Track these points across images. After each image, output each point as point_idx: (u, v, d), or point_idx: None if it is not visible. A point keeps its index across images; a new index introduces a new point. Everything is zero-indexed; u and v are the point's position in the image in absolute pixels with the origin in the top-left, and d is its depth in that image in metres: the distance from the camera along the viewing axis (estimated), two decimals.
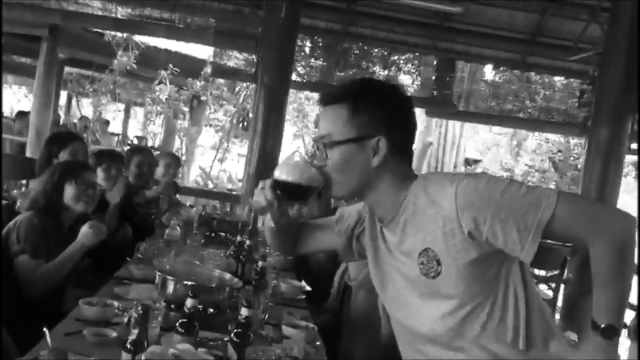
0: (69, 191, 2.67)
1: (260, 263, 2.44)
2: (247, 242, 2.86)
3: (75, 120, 12.50)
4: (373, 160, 1.39)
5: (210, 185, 10.88)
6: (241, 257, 2.80)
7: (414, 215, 1.38)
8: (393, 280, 1.49)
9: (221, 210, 5.31)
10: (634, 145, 6.28)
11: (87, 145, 3.98)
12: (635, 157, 8.15)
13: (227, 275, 2.26)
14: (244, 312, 1.66)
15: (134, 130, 14.83)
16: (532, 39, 7.35)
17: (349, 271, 2.99)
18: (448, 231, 1.31)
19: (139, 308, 1.46)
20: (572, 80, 9.25)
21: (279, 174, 1.47)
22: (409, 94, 1.53)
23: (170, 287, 2.02)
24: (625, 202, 12.85)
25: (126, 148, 10.56)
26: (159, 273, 2.07)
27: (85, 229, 2.57)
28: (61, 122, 11.24)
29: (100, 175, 3.48)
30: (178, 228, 3.00)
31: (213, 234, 3.52)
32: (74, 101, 14.25)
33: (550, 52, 7.46)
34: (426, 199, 1.35)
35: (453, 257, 1.33)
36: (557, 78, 9.96)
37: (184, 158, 11.42)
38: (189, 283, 1.99)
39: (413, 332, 1.48)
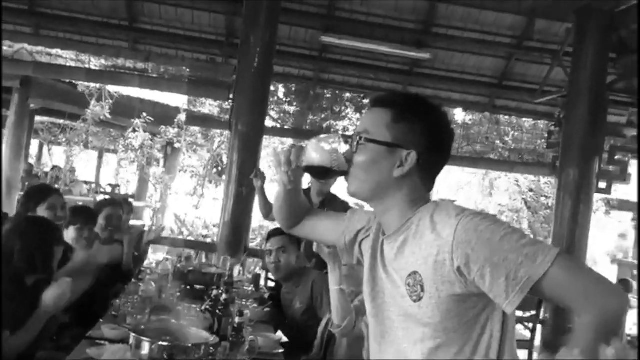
0: None
1: (237, 319, 2.42)
2: (223, 295, 2.83)
3: (47, 169, 12.35)
4: (396, 170, 1.40)
5: (185, 232, 10.77)
6: (217, 311, 2.76)
7: (414, 237, 1.38)
8: (383, 293, 1.48)
9: (197, 260, 5.25)
10: (602, 185, 6.43)
11: (60, 195, 3.89)
12: (602, 196, 8.33)
13: (204, 332, 2.23)
14: None
15: (107, 178, 14.69)
16: (499, 83, 7.57)
17: (332, 319, 2.96)
18: (440, 260, 1.31)
19: None
20: (540, 121, 9.51)
21: (313, 151, 1.46)
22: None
23: (145, 349, 1.98)
24: (594, 236, 13.08)
25: (99, 197, 10.46)
26: (133, 334, 2.03)
27: (47, 295, 2.49)
28: (33, 172, 11.10)
29: (71, 234, 3.42)
30: (153, 284, 2.96)
31: (189, 287, 3.48)
32: (45, 150, 14.10)
33: (517, 95, 7.69)
34: (430, 224, 1.35)
35: (437, 286, 1.32)
36: (525, 119, 10.22)
37: (158, 205, 11.32)
38: (164, 344, 1.95)
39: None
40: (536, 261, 1.23)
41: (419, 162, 1.39)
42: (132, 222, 8.83)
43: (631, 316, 6.60)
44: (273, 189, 1.66)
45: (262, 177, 4.19)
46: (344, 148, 1.43)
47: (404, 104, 1.44)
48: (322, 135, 1.50)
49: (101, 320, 2.73)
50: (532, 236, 1.43)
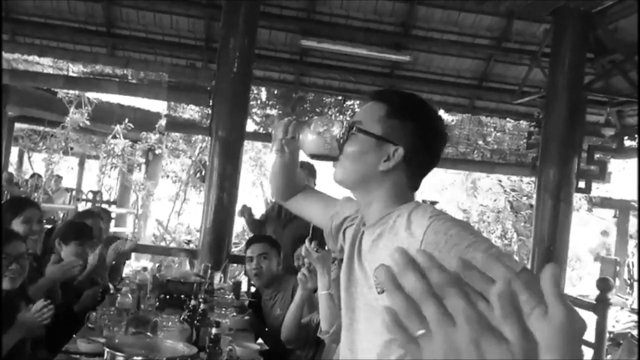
0: None
1: (214, 330, 2.39)
2: (202, 305, 2.80)
3: (27, 177, 12.21)
4: (382, 164, 1.41)
5: (168, 238, 10.70)
6: (195, 321, 2.73)
7: (389, 232, 1.39)
8: (356, 282, 1.50)
9: (178, 268, 5.21)
10: (581, 184, 6.49)
11: (41, 210, 3.84)
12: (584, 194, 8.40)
13: (180, 345, 2.20)
14: None
15: (90, 184, 14.56)
16: (479, 84, 7.60)
17: (318, 323, 2.94)
18: None
19: None
20: (522, 122, 9.57)
21: (309, 131, 1.48)
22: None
23: None
24: (577, 233, 13.24)
25: (80, 205, 10.35)
26: (107, 349, 2.00)
27: (24, 319, 2.44)
28: (14, 180, 10.97)
29: (71, 251, 3.39)
30: (130, 295, 2.93)
31: (168, 297, 3.44)
32: (25, 157, 13.95)
33: (497, 95, 7.72)
34: (406, 221, 1.36)
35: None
36: (507, 120, 10.28)
37: (140, 212, 11.23)
38: (138, 359, 1.93)
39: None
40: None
41: (406, 160, 1.41)
42: (115, 230, 8.78)
43: (612, 313, 6.69)
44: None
45: (249, 212, 4.30)
46: (338, 135, 1.45)
47: (399, 100, 1.47)
48: (322, 118, 1.53)
49: (74, 336, 2.68)
50: (515, 240, 1.43)
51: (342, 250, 1.66)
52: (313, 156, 1.52)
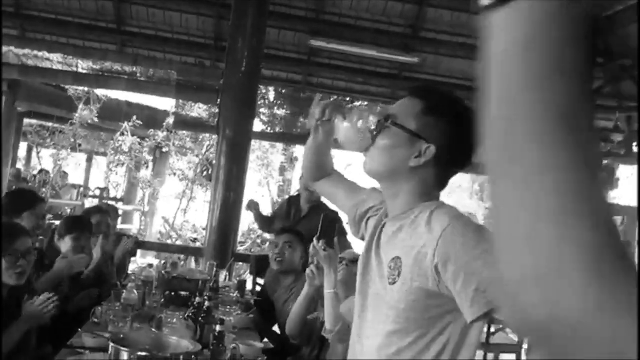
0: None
1: (218, 327, 2.40)
2: (207, 303, 2.81)
3: (35, 173, 12.26)
4: (413, 160, 1.42)
5: (174, 236, 10.73)
6: (200, 319, 2.74)
7: (410, 226, 1.41)
8: (371, 271, 1.51)
9: (183, 266, 5.23)
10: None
11: (45, 204, 3.87)
12: None
13: (184, 342, 2.21)
14: None
15: (97, 181, 14.61)
16: None
17: (324, 322, 2.95)
18: (423, 253, 1.33)
19: None
20: None
21: (345, 118, 1.49)
22: None
23: (124, 358, 1.96)
24: None
25: (87, 201, 10.39)
26: (112, 344, 2.01)
27: (29, 310, 2.47)
28: (22, 175, 11.02)
29: (68, 244, 3.40)
30: (135, 292, 2.94)
31: (173, 294, 3.46)
32: (34, 152, 14.01)
33: None
34: (427, 218, 1.37)
35: (413, 277, 1.34)
36: None
37: (146, 209, 11.26)
38: (143, 354, 1.94)
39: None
40: None
41: (437, 158, 1.41)
42: (122, 227, 8.81)
43: None
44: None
45: (256, 207, 4.34)
46: (372, 126, 1.46)
47: (437, 98, 1.48)
48: (361, 107, 1.54)
49: (80, 330, 2.69)
50: None
51: (362, 238, 1.68)
52: (345, 143, 1.53)
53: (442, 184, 1.49)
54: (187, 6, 6.78)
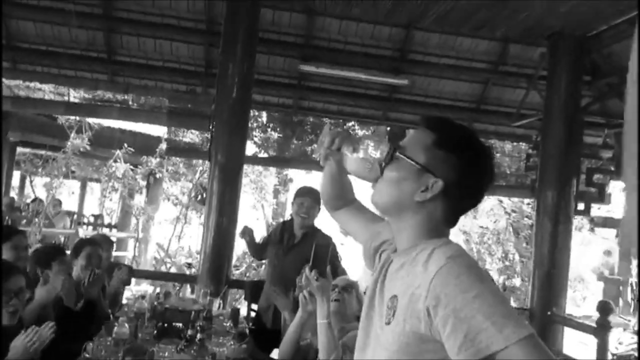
0: None
1: None
2: (199, 335, 2.81)
3: (28, 201, 12.24)
4: (419, 194, 1.36)
5: (168, 262, 10.68)
6: (192, 351, 2.73)
7: (410, 264, 1.35)
8: (375, 307, 1.46)
9: (177, 293, 5.20)
10: (580, 206, 6.49)
11: (27, 237, 3.88)
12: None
13: None
14: None
15: (91, 207, 14.58)
16: (477, 107, 7.66)
17: (317, 350, 2.94)
18: (416, 294, 1.27)
19: None
20: (522, 144, 9.60)
21: (354, 150, 1.47)
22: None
23: None
24: (580, 253, 13.18)
25: (80, 230, 10.35)
26: None
27: (15, 345, 2.43)
28: (15, 204, 11.00)
29: (57, 271, 3.40)
30: (126, 325, 2.93)
31: (166, 325, 3.44)
32: (27, 181, 13.99)
33: (495, 118, 7.77)
34: (427, 257, 1.31)
35: (405, 318, 1.29)
36: (506, 142, 10.32)
37: (141, 236, 11.22)
38: None
39: None
40: (502, 332, 1.16)
41: (445, 193, 1.35)
42: (116, 254, 8.77)
43: (614, 334, 6.63)
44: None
45: (250, 234, 4.49)
46: (381, 157, 1.43)
47: (449, 131, 1.40)
48: (371, 139, 1.53)
49: None
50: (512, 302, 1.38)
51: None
52: (354, 173, 1.50)
53: (451, 220, 1.41)
54: (177, 35, 6.83)
